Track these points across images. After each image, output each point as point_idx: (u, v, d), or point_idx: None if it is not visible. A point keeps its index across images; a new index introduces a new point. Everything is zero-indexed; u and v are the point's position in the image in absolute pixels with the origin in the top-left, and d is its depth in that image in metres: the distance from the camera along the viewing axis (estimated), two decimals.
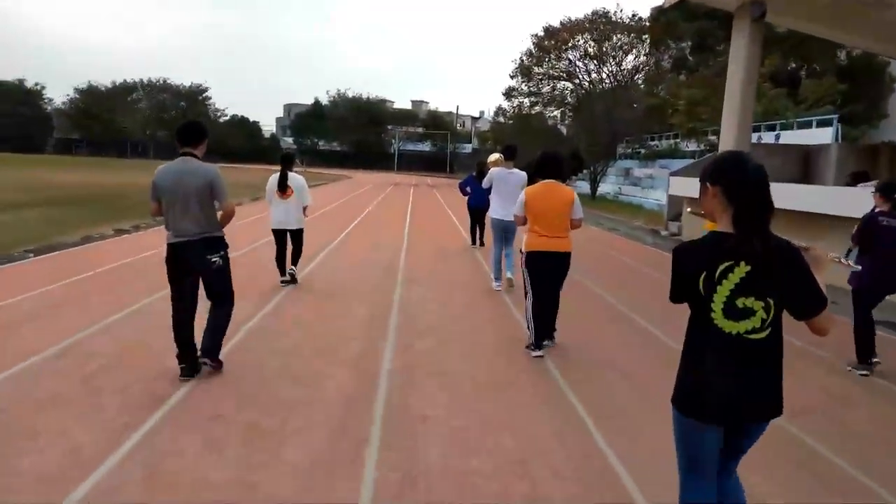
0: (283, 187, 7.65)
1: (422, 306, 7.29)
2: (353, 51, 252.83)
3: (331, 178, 45.35)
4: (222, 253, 4.55)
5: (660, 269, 10.86)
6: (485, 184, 8.36)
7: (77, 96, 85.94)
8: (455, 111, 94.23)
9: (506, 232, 8.01)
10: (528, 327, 5.49)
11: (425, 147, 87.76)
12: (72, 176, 31.02)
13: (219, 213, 4.59)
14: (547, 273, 5.45)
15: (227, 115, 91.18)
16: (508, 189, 7.79)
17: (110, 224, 13.21)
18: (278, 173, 7.71)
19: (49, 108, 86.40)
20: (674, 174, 16.61)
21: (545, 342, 5.53)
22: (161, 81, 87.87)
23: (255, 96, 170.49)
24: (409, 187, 39.49)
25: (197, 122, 4.76)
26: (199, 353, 4.61)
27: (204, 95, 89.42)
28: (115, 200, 18.49)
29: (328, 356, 5.25)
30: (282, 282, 7.92)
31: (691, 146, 28.15)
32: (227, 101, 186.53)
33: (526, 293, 5.52)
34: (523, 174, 7.96)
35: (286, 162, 7.80)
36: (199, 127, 4.63)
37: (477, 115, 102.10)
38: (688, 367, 2.24)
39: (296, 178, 7.77)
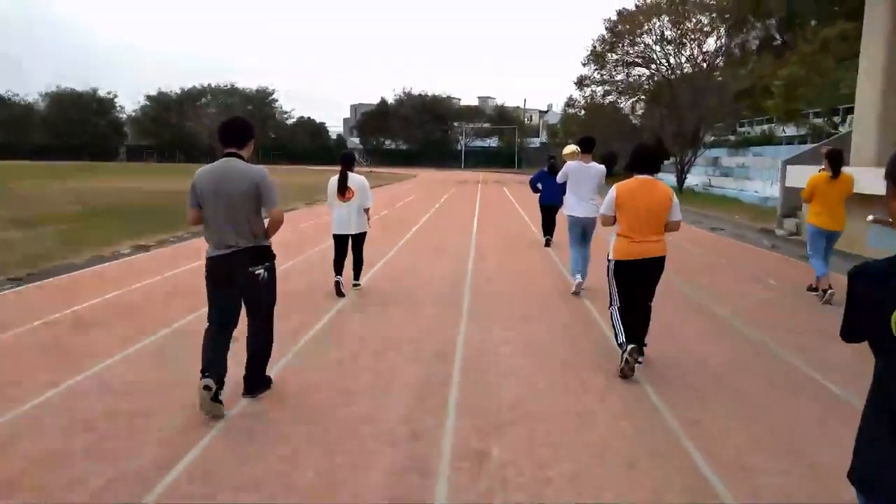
0: (343, 189, 7.20)
1: (492, 326, 6.25)
2: (420, 49, 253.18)
3: (396, 178, 44.33)
4: (268, 265, 4.09)
5: (784, 277, 8.91)
6: (559, 178, 7.79)
7: (147, 103, 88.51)
8: (522, 105, 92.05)
9: (584, 230, 7.51)
10: (616, 330, 4.82)
11: (492, 143, 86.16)
12: (125, 183, 31.00)
13: (266, 221, 4.12)
14: (639, 283, 4.85)
15: (293, 118, 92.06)
16: (586, 184, 7.35)
17: (134, 239, 11.63)
18: (338, 175, 7.23)
19: (122, 115, 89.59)
20: (789, 162, 14.27)
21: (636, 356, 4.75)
22: (228, 86, 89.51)
23: (323, 99, 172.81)
24: (476, 185, 37.93)
25: (241, 119, 4.36)
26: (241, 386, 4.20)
27: (270, 98, 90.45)
28: (157, 211, 17.39)
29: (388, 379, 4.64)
30: (337, 283, 7.32)
31: (788, 131, 25.28)
32: (296, 104, 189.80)
33: (611, 302, 4.94)
34: (602, 168, 7.52)
35: (346, 162, 7.31)
36: (244, 124, 4.21)
37: (545, 108, 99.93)
38: (871, 437, 1.65)
39: (357, 178, 7.30)
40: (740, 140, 28.43)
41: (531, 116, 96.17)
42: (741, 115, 28.90)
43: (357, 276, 7.58)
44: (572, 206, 7.51)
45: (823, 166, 7.39)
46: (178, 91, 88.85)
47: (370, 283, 8.09)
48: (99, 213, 16.45)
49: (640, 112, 42.23)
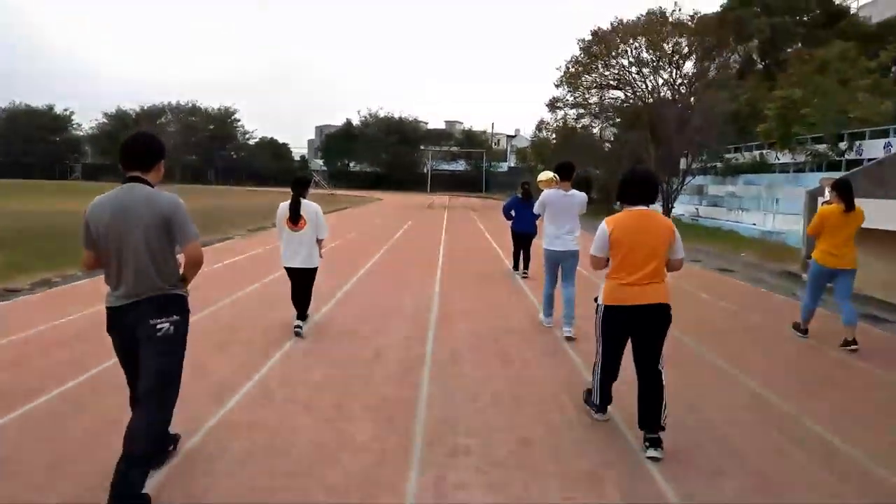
0: (295, 218, 6.38)
1: (461, 375, 5.35)
2: (387, 72, 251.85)
3: (359, 201, 41.75)
4: (176, 318, 3.27)
5: (827, 339, 6.70)
6: (536, 209, 7.06)
7: (105, 121, 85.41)
8: (490, 129, 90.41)
9: (564, 263, 6.82)
10: (594, 390, 4.26)
11: (459, 166, 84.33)
12: (67, 204, 27.80)
13: (181, 261, 3.32)
14: (636, 335, 4.00)
15: (255, 138, 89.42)
16: (566, 215, 6.75)
17: (42, 272, 9.42)
18: (289, 200, 6.39)
19: (80, 133, 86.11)
20: (818, 192, 11.97)
21: (650, 450, 3.75)
22: (189, 105, 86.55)
23: (287, 120, 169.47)
24: (443, 210, 35.54)
25: (146, 135, 3.38)
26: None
27: (233, 118, 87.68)
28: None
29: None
30: (296, 331, 6.42)
31: (784, 158, 23.42)
32: (259, 125, 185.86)
33: (597, 357, 4.20)
34: (584, 196, 6.92)
35: (299, 186, 6.45)
36: (149, 142, 3.34)
37: (513, 132, 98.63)
38: None
39: (310, 205, 6.48)
40: (728, 167, 26.55)
41: (499, 140, 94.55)
42: (728, 141, 27.12)
43: (302, 315, 6.58)
44: (550, 240, 6.77)
45: (829, 198, 6.89)
46: (138, 109, 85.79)
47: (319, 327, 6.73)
48: (10, 239, 13.47)
49: (610, 137, 40.60)
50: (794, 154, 22.16)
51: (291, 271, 6.49)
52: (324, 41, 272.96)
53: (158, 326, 3.21)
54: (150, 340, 3.19)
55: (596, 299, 4.19)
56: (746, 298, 9.51)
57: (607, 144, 39.33)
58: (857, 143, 19.03)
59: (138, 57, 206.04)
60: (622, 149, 34.24)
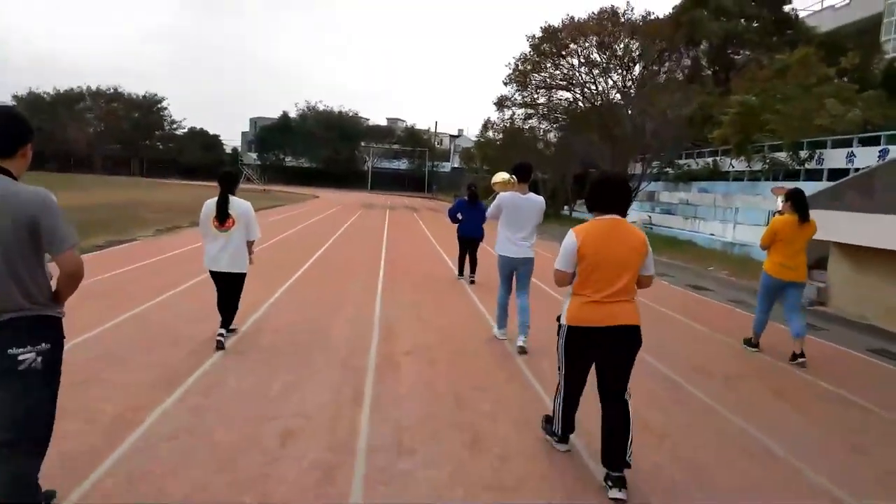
0: (222, 216, 5.62)
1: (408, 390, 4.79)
2: (326, 65, 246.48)
3: (295, 199, 39.34)
4: (44, 347, 2.60)
5: (852, 383, 5.50)
6: (490, 213, 6.48)
7: (16, 104, 79.34)
8: (434, 128, 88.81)
9: (518, 270, 6.31)
10: (555, 417, 3.86)
11: (402, 165, 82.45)
12: None
13: (53, 273, 2.68)
14: (601, 360, 3.56)
15: (184, 128, 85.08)
16: (524, 220, 6.21)
17: None
18: (216, 198, 5.64)
19: None
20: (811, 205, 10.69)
21: (612, 490, 3.34)
22: (111, 90, 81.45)
23: (220, 110, 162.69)
24: (384, 210, 33.64)
25: (6, 113, 2.67)
26: None
27: (159, 106, 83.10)
28: None
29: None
30: (218, 343, 5.57)
31: (739, 165, 22.59)
32: (188, 114, 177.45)
33: (560, 381, 3.76)
34: (542, 200, 6.35)
35: (227, 182, 5.70)
36: (10, 120, 2.64)
37: (456, 132, 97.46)
38: None
39: (240, 204, 5.73)
40: (680, 174, 25.66)
41: (441, 140, 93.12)
42: (683, 147, 26.26)
43: (227, 323, 5.82)
44: (504, 245, 6.32)
45: (781, 209, 6.76)
46: (52, 92, 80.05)
47: (249, 339, 6.02)
48: None
49: (553, 138, 39.69)
50: (750, 162, 21.36)
51: (217, 276, 5.79)
52: (260, 29, 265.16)
53: (21, 358, 2.56)
54: (8, 376, 2.55)
55: (558, 318, 3.70)
56: (729, 324, 8.09)
57: (552, 148, 38.33)
58: (819, 152, 18.28)
59: (50, 34, 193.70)
60: (566, 151, 33.21)
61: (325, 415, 4.21)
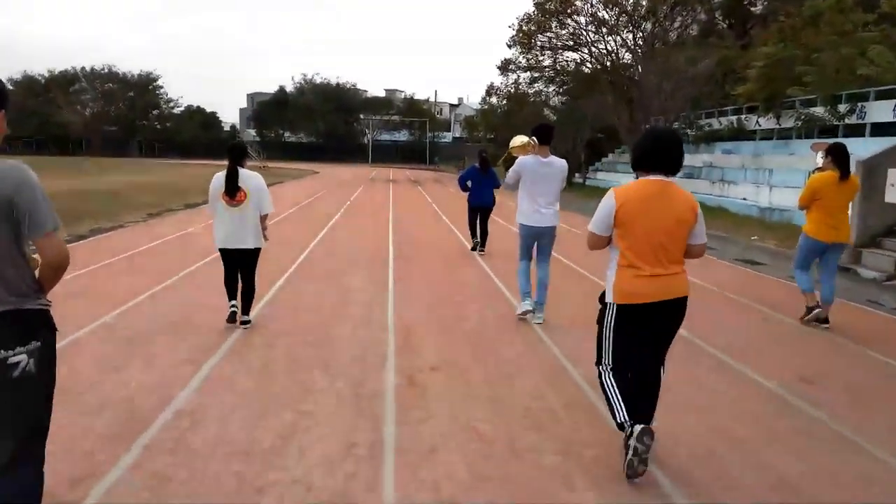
0: (232, 191, 5.39)
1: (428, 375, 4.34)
2: (322, 37, 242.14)
3: (294, 174, 38.04)
4: (36, 345, 2.30)
5: None
6: (508, 179, 6.12)
7: (11, 88, 77.51)
8: (434, 98, 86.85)
9: (541, 240, 6.06)
10: (612, 404, 3.23)
11: (402, 137, 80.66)
12: None
13: (35, 262, 2.36)
14: (650, 338, 3.29)
15: (181, 106, 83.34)
16: (547, 185, 5.94)
17: None
18: (225, 171, 5.43)
19: None
20: (889, 163, 9.20)
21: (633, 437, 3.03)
22: (106, 70, 79.47)
23: (217, 87, 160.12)
24: (387, 183, 32.35)
25: None
26: None
27: (155, 84, 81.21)
28: None
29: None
30: (232, 306, 5.56)
31: (766, 123, 21.09)
32: (185, 92, 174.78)
33: (599, 360, 3.35)
34: (565, 164, 6.13)
35: (236, 155, 5.45)
36: None
37: (456, 101, 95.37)
38: None
39: (251, 176, 5.53)
40: (702, 135, 24.16)
41: (441, 110, 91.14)
42: (704, 106, 24.67)
43: (246, 308, 5.63)
44: (527, 213, 5.99)
45: (822, 165, 6.33)
46: (46, 74, 78.23)
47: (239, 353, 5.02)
48: None
49: (558, 103, 38.13)
50: (779, 119, 19.89)
51: (229, 254, 5.58)
52: (256, 2, 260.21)
53: (11, 362, 2.22)
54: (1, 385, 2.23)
55: (602, 297, 3.35)
56: (784, 305, 6.88)
57: (558, 112, 36.80)
58: (860, 105, 16.81)
59: (42, 16, 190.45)
60: (576, 115, 31.70)
61: (334, 476, 3.07)
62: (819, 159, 6.53)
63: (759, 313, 6.77)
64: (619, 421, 3.19)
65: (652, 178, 3.23)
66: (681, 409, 3.91)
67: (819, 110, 17.87)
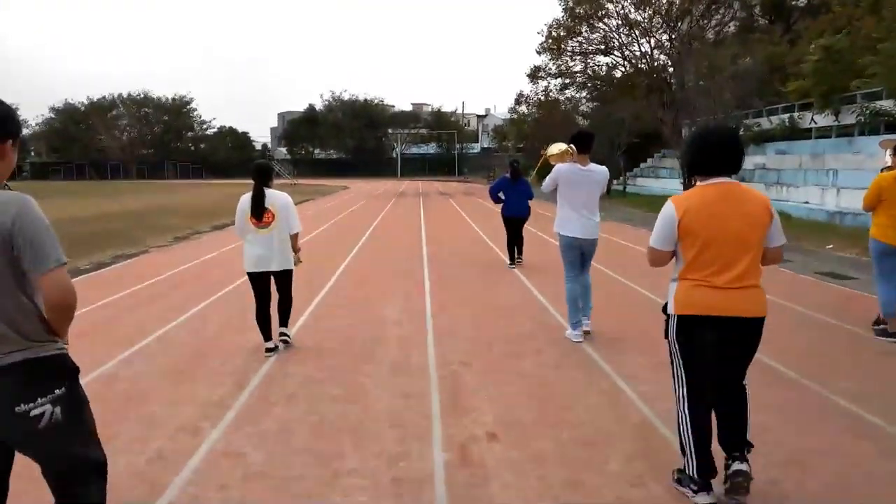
0: (259, 213, 5.22)
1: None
2: (349, 55, 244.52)
3: (324, 191, 37.60)
4: (59, 393, 2.13)
5: None
6: (545, 186, 6.06)
7: (53, 116, 79.81)
8: (461, 109, 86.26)
9: (584, 253, 5.87)
10: (686, 451, 2.96)
11: (430, 150, 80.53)
12: None
13: (41, 302, 2.13)
14: (723, 358, 2.94)
15: (213, 128, 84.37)
16: (587, 194, 5.75)
17: None
18: (251, 192, 5.29)
19: (26, 130, 79.98)
20: None
21: (735, 463, 2.88)
22: (141, 95, 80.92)
23: (248, 108, 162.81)
24: (417, 197, 31.60)
25: None
26: None
27: (188, 107, 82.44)
28: None
29: None
30: (268, 351, 5.28)
31: (822, 121, 19.73)
32: (217, 114, 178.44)
33: (678, 396, 3.02)
34: (605, 171, 5.93)
35: (261, 175, 5.32)
36: None
37: (483, 112, 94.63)
38: None
39: (277, 196, 5.38)
40: (751, 135, 22.85)
41: (469, 121, 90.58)
42: (753, 105, 23.33)
43: (284, 321, 5.53)
44: (568, 224, 5.77)
45: (891, 163, 5.88)
46: (86, 102, 79.99)
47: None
48: None
49: (589, 109, 37.07)
50: (838, 115, 18.55)
51: (259, 278, 5.42)
52: (284, 23, 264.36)
53: (34, 414, 2.05)
54: (29, 440, 2.11)
55: (665, 308, 3.06)
56: None
57: (585, 118, 35.68)
58: None
59: (82, 48, 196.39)
60: (611, 120, 30.65)
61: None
62: (888, 157, 6.05)
63: (876, 346, 5.71)
64: (687, 471, 2.96)
65: (714, 181, 2.95)
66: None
67: (886, 104, 16.53)
